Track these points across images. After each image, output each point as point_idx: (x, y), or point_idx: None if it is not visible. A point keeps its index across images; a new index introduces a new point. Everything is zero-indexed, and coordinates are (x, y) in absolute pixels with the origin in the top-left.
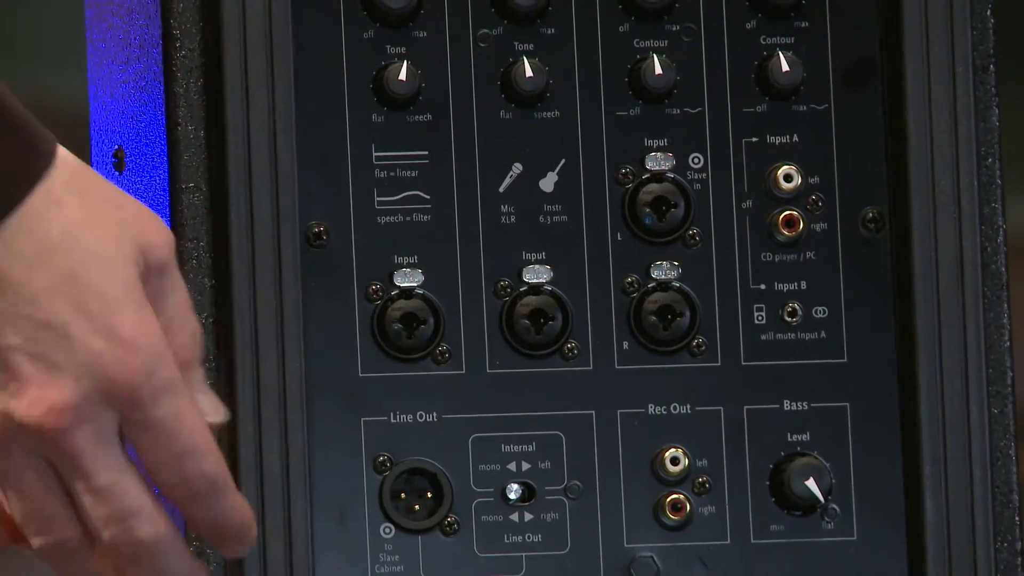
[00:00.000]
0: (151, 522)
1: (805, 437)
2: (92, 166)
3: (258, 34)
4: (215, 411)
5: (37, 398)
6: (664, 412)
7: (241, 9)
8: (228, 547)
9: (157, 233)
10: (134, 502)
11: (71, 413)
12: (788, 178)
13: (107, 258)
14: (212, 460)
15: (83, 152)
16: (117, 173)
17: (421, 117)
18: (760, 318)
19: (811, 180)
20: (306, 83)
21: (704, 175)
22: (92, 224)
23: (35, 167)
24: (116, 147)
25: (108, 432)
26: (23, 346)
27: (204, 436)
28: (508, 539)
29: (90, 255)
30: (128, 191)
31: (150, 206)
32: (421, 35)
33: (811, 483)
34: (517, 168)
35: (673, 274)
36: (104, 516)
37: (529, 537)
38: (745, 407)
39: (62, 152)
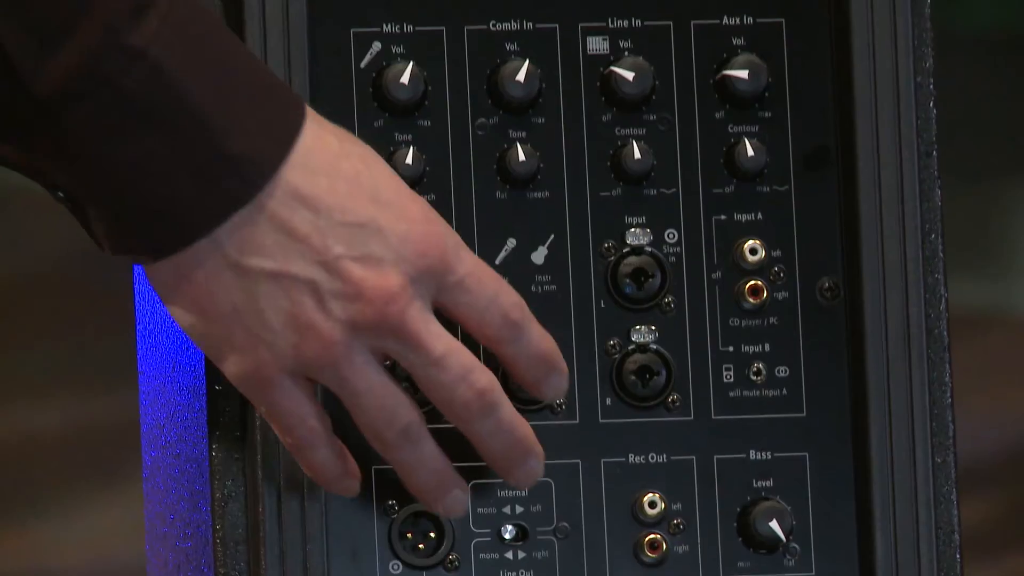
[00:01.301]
0: (484, 372)
1: (769, 483)
2: None
3: None
4: None
5: (374, 293)
6: (643, 461)
7: None
8: (549, 376)
9: None
10: (467, 359)
11: (403, 296)
12: (753, 251)
13: (372, 155)
14: (514, 292)
15: None
16: None
17: (426, 196)
18: (728, 377)
19: (774, 253)
20: None
21: (678, 249)
22: (349, 138)
23: (300, 102)
24: None
25: (429, 308)
26: (347, 252)
27: (496, 274)
28: (504, 575)
29: (362, 155)
30: None
31: None
32: (425, 124)
33: (774, 524)
34: (511, 242)
35: (651, 337)
36: (449, 380)
37: (522, 573)
38: (715, 456)
39: None
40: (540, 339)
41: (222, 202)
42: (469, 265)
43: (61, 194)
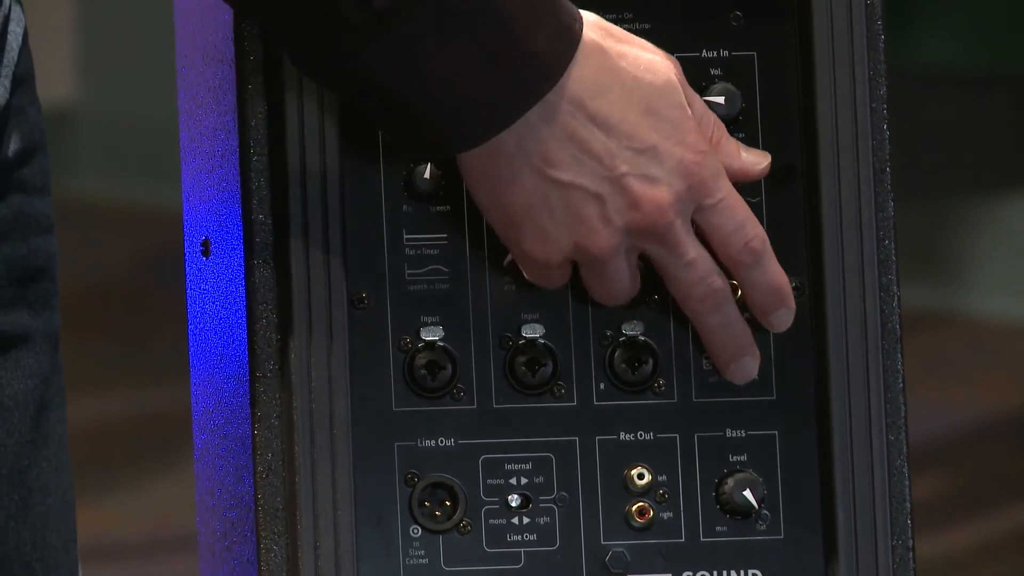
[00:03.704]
0: (721, 277)
1: (743, 458)
2: (184, 253)
3: (314, 146)
4: (760, 160)
5: (649, 207)
6: (632, 438)
7: (299, 127)
8: (777, 308)
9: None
10: (711, 265)
11: (671, 210)
12: None
13: (664, 88)
14: (759, 226)
15: (177, 242)
16: (204, 258)
17: (441, 208)
18: (707, 364)
19: None
20: (350, 183)
21: None
22: (641, 60)
23: (573, 7)
24: (204, 238)
25: (688, 220)
26: (631, 171)
27: (748, 208)
28: (510, 538)
29: (653, 89)
30: (213, 271)
31: (229, 281)
32: None
33: (748, 493)
34: None
35: (640, 330)
36: (693, 279)
37: (526, 536)
38: (696, 434)
39: None
40: (776, 273)
41: (525, 94)
42: (724, 193)
43: (373, 107)
